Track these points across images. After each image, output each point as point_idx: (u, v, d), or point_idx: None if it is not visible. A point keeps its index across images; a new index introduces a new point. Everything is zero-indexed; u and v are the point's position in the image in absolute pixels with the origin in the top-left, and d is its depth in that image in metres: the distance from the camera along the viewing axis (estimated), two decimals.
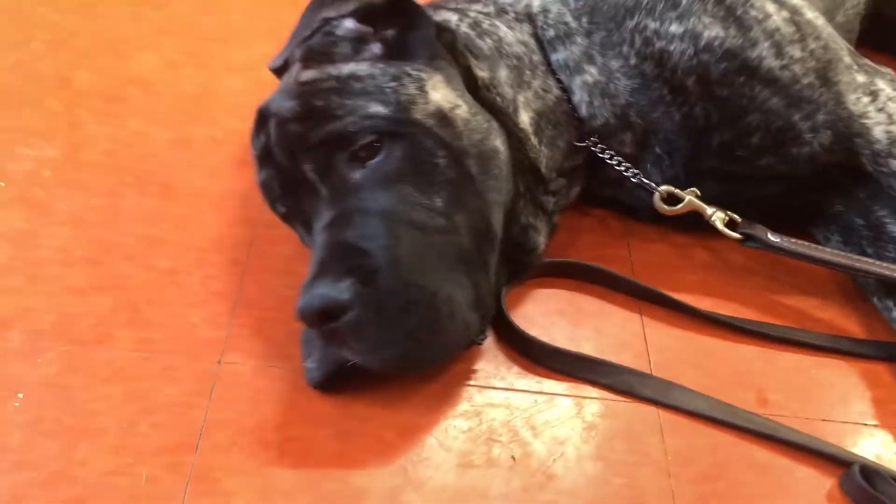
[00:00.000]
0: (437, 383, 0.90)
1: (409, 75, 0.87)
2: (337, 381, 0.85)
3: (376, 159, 0.84)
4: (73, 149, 1.10)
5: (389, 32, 0.90)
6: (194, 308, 0.93)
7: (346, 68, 0.86)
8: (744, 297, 1.04)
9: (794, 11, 0.98)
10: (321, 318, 0.78)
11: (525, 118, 0.96)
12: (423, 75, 0.87)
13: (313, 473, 0.80)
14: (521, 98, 0.96)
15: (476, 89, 0.93)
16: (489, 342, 0.93)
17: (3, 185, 1.04)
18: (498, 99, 0.94)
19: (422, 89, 0.86)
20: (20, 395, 0.82)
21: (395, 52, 0.90)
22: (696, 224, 1.02)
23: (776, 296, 1.04)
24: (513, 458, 0.84)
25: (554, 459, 0.85)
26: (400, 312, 0.78)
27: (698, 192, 1.00)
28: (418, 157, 0.84)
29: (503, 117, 0.93)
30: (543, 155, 0.97)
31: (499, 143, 0.90)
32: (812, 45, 0.97)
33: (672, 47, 0.95)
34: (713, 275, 1.06)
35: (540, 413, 0.88)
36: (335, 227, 0.82)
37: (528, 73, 0.98)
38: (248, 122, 0.90)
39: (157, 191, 1.06)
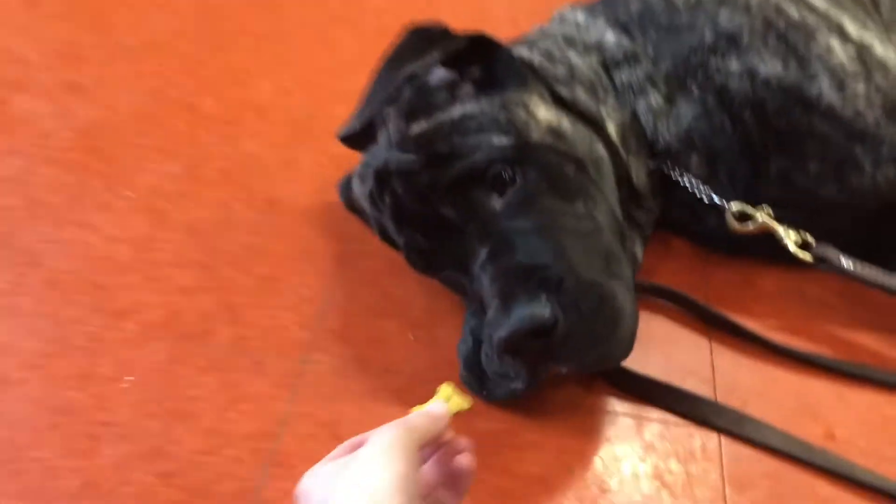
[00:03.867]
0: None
1: (514, 102, 0.92)
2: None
3: (514, 186, 0.88)
4: (193, 165, 1.22)
5: (476, 71, 0.95)
6: (286, 311, 1.02)
7: (456, 111, 0.91)
8: (817, 330, 1.03)
9: (862, 48, 0.99)
10: (531, 338, 0.81)
11: (612, 128, 1.00)
12: (524, 98, 0.93)
13: None
14: (603, 111, 1.00)
15: (564, 106, 0.97)
16: None
17: (132, 195, 1.17)
18: (586, 112, 0.98)
19: (528, 111, 0.92)
20: (130, 378, 0.93)
21: (487, 88, 0.94)
22: (770, 253, 1.02)
23: (852, 331, 1.04)
24: (571, 470, 0.88)
25: (611, 475, 0.88)
26: (593, 313, 0.82)
27: (771, 212, 1.01)
28: (550, 173, 0.89)
29: (595, 127, 0.98)
30: (633, 166, 1.01)
31: (601, 149, 0.96)
32: (879, 80, 0.97)
33: (732, 84, 0.98)
34: (786, 305, 1.06)
35: (601, 430, 0.92)
36: (500, 255, 0.86)
37: (601, 92, 1.02)
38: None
39: (263, 205, 1.16)
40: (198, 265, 1.07)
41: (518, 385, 0.88)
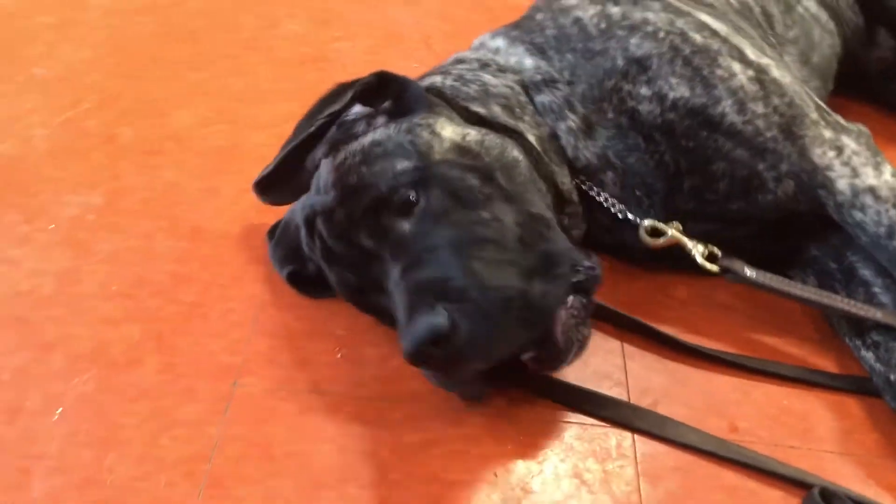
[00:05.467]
0: (432, 406, 0.98)
1: (419, 124, 0.98)
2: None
3: (420, 206, 0.93)
4: (115, 197, 1.23)
5: (387, 104, 1.03)
6: (214, 337, 1.04)
7: (367, 139, 0.98)
8: (723, 332, 1.11)
9: (760, 70, 1.07)
10: (432, 346, 0.83)
11: (532, 138, 1.06)
12: (430, 120, 0.99)
13: (312, 483, 0.89)
14: (521, 124, 1.06)
15: (479, 122, 1.03)
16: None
17: (53, 226, 1.17)
18: (501, 123, 1.04)
19: (433, 132, 0.97)
20: (59, 410, 0.94)
21: (399, 116, 1.01)
22: (686, 266, 1.08)
23: (754, 332, 1.11)
24: (495, 474, 0.92)
25: (533, 476, 0.93)
26: (500, 311, 0.86)
27: (680, 227, 1.07)
28: (452, 187, 0.94)
29: (513, 135, 1.04)
30: (557, 172, 1.07)
31: (517, 153, 1.01)
32: (776, 101, 1.05)
33: (642, 107, 1.05)
34: (694, 311, 1.13)
35: (525, 436, 0.97)
36: (408, 273, 0.90)
37: (518, 109, 1.08)
38: None
39: (186, 234, 1.18)
40: (123, 296, 1.08)
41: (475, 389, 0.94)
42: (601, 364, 1.05)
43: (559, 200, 1.06)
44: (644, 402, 1.01)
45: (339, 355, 1.02)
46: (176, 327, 1.04)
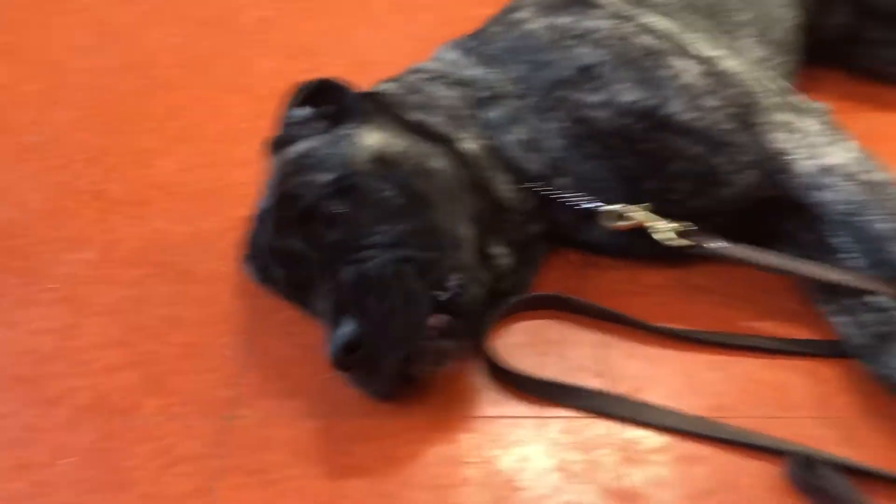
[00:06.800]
0: (421, 416, 1.02)
1: (345, 135, 1.06)
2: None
3: (341, 217, 1.00)
4: (107, 250, 1.29)
5: (329, 109, 1.11)
6: (208, 373, 1.09)
7: (301, 147, 1.07)
8: (699, 313, 1.13)
9: (711, 64, 1.09)
10: (350, 354, 0.92)
11: (470, 146, 1.10)
12: (356, 129, 1.06)
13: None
14: (460, 133, 1.11)
15: (413, 130, 1.09)
16: (479, 375, 1.07)
17: (56, 286, 1.23)
18: (434, 132, 1.10)
19: (356, 142, 1.05)
20: (65, 461, 0.99)
21: (338, 122, 1.09)
22: (652, 250, 1.10)
23: (731, 309, 1.14)
24: (485, 476, 0.96)
25: (520, 473, 0.96)
26: (399, 315, 0.93)
27: (649, 206, 1.08)
28: (369, 197, 1.01)
29: (445, 144, 1.09)
30: (495, 181, 1.11)
31: (439, 163, 1.06)
32: (729, 92, 1.07)
33: (595, 114, 1.08)
34: (670, 295, 1.16)
35: (510, 435, 1.00)
36: (330, 287, 0.98)
37: (461, 120, 1.13)
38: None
39: (176, 278, 1.23)
40: (120, 344, 1.13)
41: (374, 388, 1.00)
42: (579, 356, 1.09)
43: (497, 208, 1.10)
44: (624, 389, 1.04)
45: (324, 378, 1.06)
46: (171, 368, 1.09)
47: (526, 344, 1.11)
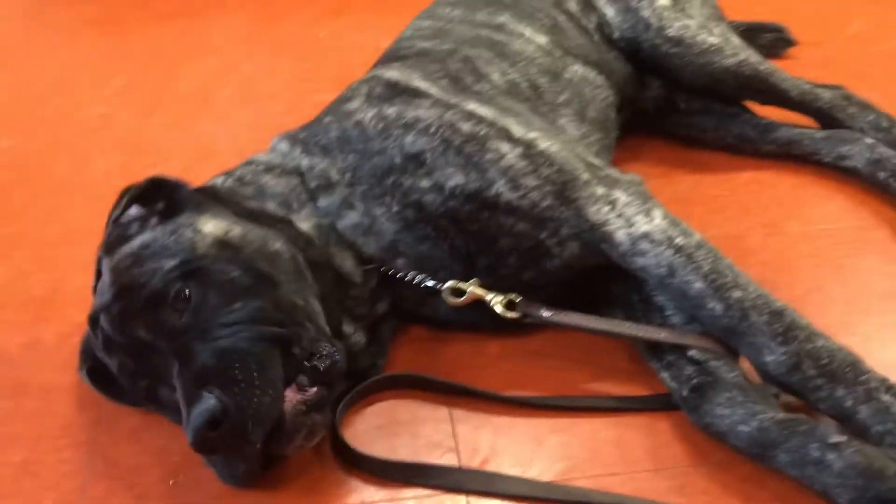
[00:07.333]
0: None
1: (183, 224, 1.07)
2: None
3: (188, 301, 1.00)
4: None
5: (160, 205, 1.11)
6: (47, 491, 1.04)
7: (137, 242, 1.06)
8: (539, 377, 1.18)
9: (528, 146, 1.15)
10: (212, 430, 0.90)
11: (305, 225, 1.15)
12: (193, 219, 1.08)
13: None
14: (294, 216, 1.15)
15: (249, 217, 1.11)
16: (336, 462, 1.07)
17: None
18: (271, 217, 1.13)
19: (195, 230, 1.06)
20: None
21: (171, 216, 1.10)
22: (493, 322, 1.16)
23: (569, 372, 1.18)
24: None
25: None
26: (255, 387, 0.93)
27: (479, 282, 1.15)
28: (217, 280, 1.02)
29: (282, 226, 1.12)
30: (337, 257, 1.14)
31: (279, 245, 1.09)
32: (546, 171, 1.14)
33: (424, 199, 1.13)
34: (513, 363, 1.20)
35: None
36: (184, 367, 0.96)
37: (295, 204, 1.17)
38: None
39: (10, 392, 1.18)
40: None
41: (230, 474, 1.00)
42: (431, 433, 1.11)
43: (343, 285, 1.14)
44: (475, 462, 1.06)
45: (172, 483, 1.04)
46: (6, 490, 1.04)
47: (378, 427, 1.12)
